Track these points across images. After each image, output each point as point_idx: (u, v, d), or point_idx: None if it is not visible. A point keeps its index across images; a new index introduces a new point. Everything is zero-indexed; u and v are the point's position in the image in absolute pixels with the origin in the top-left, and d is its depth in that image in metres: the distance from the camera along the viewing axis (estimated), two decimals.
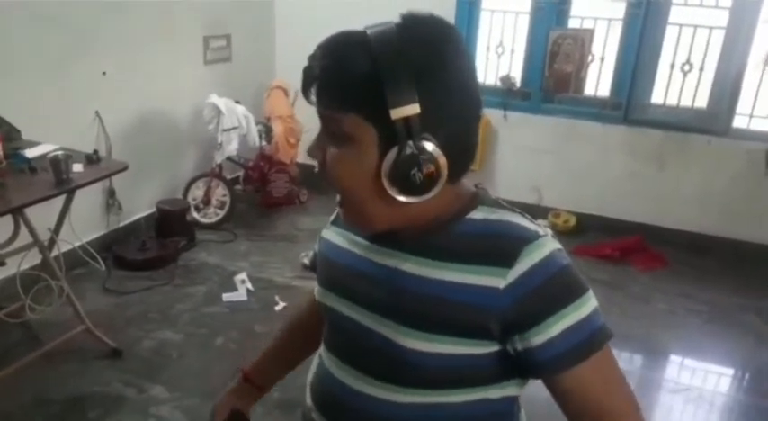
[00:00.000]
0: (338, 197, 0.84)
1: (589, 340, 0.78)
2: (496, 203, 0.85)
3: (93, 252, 2.95)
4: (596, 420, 0.81)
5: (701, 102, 3.93)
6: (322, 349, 0.97)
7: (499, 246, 0.78)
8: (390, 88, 0.72)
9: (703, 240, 3.98)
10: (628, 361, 3.04)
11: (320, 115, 0.79)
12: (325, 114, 0.78)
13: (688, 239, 3.99)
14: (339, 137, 0.77)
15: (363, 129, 0.75)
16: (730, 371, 3.02)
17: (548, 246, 0.79)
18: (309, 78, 0.78)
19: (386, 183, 0.75)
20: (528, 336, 0.77)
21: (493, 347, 0.80)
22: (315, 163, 0.83)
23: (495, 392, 0.85)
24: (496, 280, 0.77)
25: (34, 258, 2.64)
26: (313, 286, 1.02)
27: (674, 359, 3.11)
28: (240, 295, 3.18)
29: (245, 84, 4.27)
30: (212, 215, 4.01)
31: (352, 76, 0.75)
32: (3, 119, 2.63)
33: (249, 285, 3.24)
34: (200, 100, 3.85)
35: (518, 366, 0.81)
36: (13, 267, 2.58)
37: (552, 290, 0.77)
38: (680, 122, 3.93)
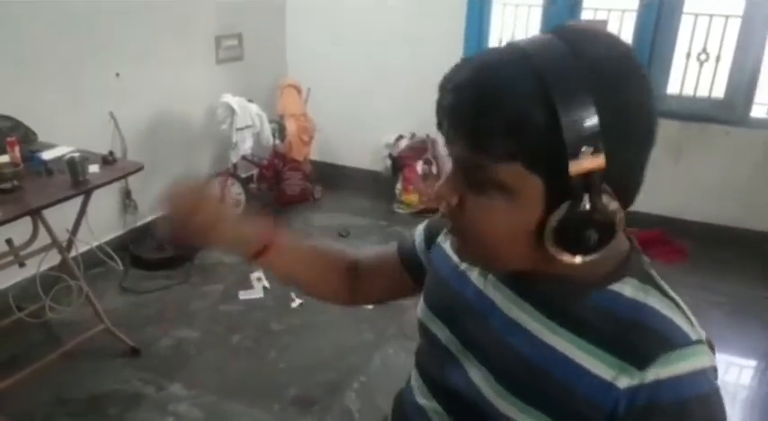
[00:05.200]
0: (450, 225, 0.72)
1: None
2: (650, 278, 0.72)
3: (110, 252, 2.98)
4: None
5: (718, 91, 3.87)
6: (414, 363, 0.89)
7: (637, 339, 0.66)
8: (572, 135, 0.58)
9: (723, 232, 3.92)
10: None
11: (461, 157, 0.65)
12: (472, 159, 0.63)
13: (708, 231, 3.94)
14: (489, 185, 0.64)
15: (527, 179, 0.62)
16: (753, 364, 2.98)
17: (696, 359, 0.65)
18: (451, 113, 0.64)
19: (548, 243, 0.64)
20: None
21: None
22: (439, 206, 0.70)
23: None
24: (620, 377, 0.65)
25: (53, 259, 2.67)
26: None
27: None
28: (257, 293, 3.19)
29: (257, 82, 4.28)
30: None
31: (519, 116, 0.59)
32: (19, 122, 2.66)
33: (266, 283, 3.25)
34: (213, 99, 3.87)
35: None
36: (32, 268, 2.61)
37: (675, 415, 0.64)
38: (697, 113, 3.88)
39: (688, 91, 3.94)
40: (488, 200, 0.65)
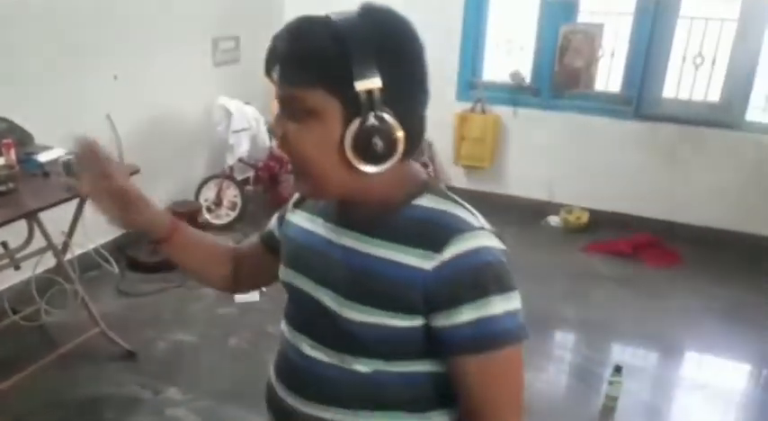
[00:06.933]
0: (291, 166, 0.91)
1: (489, 337, 0.83)
2: (444, 194, 0.91)
3: (106, 255, 2.98)
4: (471, 417, 0.88)
5: (714, 95, 3.90)
6: (283, 324, 1.04)
7: (434, 233, 0.85)
8: (356, 63, 0.78)
9: (718, 235, 3.94)
10: (643, 358, 3.02)
11: (282, 93, 0.85)
12: (288, 92, 0.83)
13: (703, 235, 3.95)
14: (302, 113, 0.82)
15: (328, 102, 0.81)
16: (747, 369, 2.99)
17: (478, 239, 0.85)
18: (274, 57, 0.85)
19: (348, 152, 0.81)
20: (440, 317, 0.84)
21: (419, 321, 0.86)
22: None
23: (429, 367, 0.90)
24: (425, 262, 0.84)
25: (49, 262, 2.66)
26: None
27: (690, 357, 3.08)
28: (252, 296, 3.19)
29: (254, 85, 4.25)
30: (224, 216, 4.02)
31: (319, 52, 0.80)
32: (15, 124, 2.65)
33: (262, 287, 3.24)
34: (209, 101, 3.87)
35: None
36: (27, 271, 2.60)
37: (469, 280, 0.83)
38: (692, 116, 3.90)
39: (684, 94, 3.95)
40: (304, 125, 0.83)
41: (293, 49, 0.82)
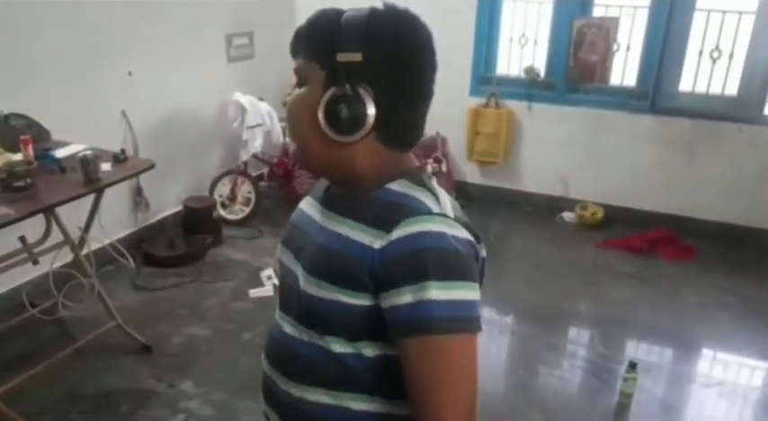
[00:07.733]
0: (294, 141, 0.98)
1: (421, 321, 0.82)
2: (421, 182, 0.92)
3: (122, 249, 3.01)
4: (414, 408, 0.86)
5: (731, 89, 3.84)
6: (278, 307, 1.07)
7: (390, 214, 0.87)
8: (343, 39, 0.86)
9: (735, 231, 3.90)
10: (658, 355, 3.00)
11: (299, 65, 0.93)
12: (296, 63, 0.93)
13: (719, 230, 3.91)
14: (303, 80, 0.92)
15: (317, 72, 0.89)
16: (763, 365, 2.95)
17: (430, 224, 0.85)
18: (294, 38, 0.94)
19: (320, 114, 0.87)
20: (385, 297, 0.85)
21: (366, 300, 0.87)
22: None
23: (394, 351, 0.88)
24: (375, 240, 0.86)
25: (66, 256, 2.69)
26: None
27: (707, 353, 3.06)
28: (266, 290, 3.21)
29: (268, 81, 4.28)
30: (238, 212, 4.04)
31: (319, 32, 0.90)
32: (33, 120, 2.68)
33: (275, 280, 3.26)
34: (224, 98, 3.88)
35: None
36: (45, 265, 2.63)
37: (411, 262, 0.83)
38: (709, 110, 3.85)
39: (700, 88, 3.90)
40: (300, 90, 0.92)
41: (305, 31, 0.92)
